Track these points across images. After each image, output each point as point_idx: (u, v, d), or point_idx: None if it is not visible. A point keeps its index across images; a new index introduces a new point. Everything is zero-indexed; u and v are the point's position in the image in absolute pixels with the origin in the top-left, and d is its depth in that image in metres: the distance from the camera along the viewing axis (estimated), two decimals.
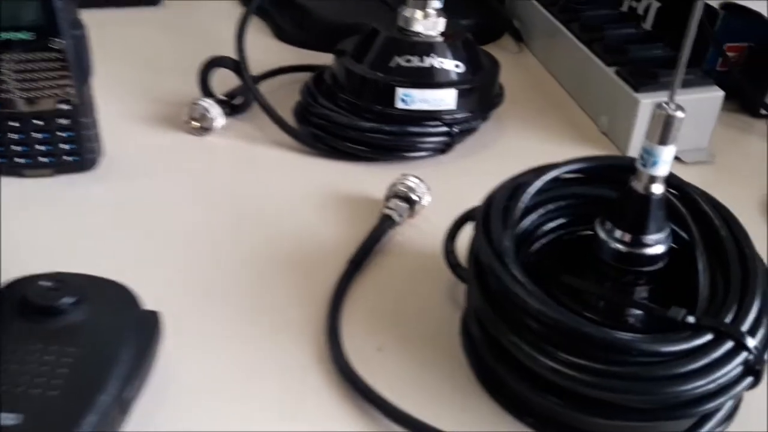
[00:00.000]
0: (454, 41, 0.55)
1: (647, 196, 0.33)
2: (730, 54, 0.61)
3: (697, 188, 0.37)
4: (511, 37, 0.76)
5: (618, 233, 0.34)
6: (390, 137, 0.54)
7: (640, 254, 0.34)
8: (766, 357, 0.32)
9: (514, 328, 0.33)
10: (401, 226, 0.49)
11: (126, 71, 0.66)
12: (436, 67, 0.54)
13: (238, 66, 0.58)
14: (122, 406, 0.34)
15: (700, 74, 0.56)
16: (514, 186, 0.37)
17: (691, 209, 0.36)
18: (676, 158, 0.58)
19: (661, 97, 0.54)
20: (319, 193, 0.52)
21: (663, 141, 0.32)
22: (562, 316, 0.31)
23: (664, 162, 0.32)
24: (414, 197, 0.49)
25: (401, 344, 0.40)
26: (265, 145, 0.57)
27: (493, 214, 0.35)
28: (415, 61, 0.54)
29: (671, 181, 0.36)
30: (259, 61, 0.66)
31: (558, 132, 0.61)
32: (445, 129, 0.55)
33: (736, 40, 0.61)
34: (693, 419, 0.32)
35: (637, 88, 0.54)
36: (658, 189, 0.33)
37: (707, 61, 0.62)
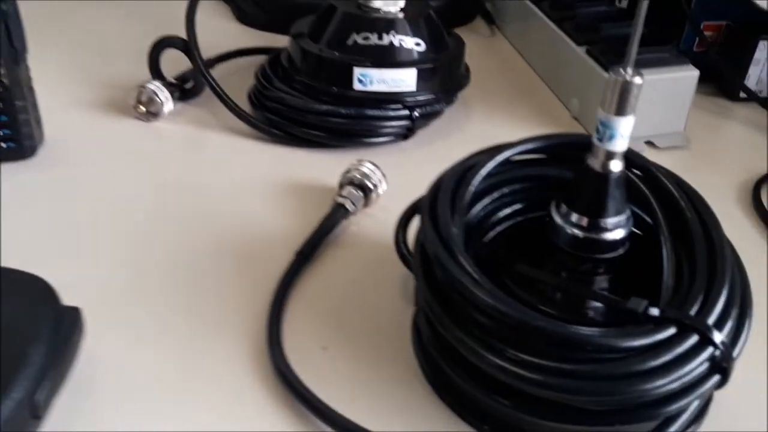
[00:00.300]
0: (416, 18, 0.52)
1: (605, 174, 0.30)
2: (707, 33, 0.58)
3: (662, 168, 0.34)
4: (483, 19, 0.72)
5: (574, 217, 0.31)
6: (347, 121, 0.51)
7: (599, 240, 0.31)
8: (735, 353, 0.29)
9: (461, 323, 0.30)
10: (356, 215, 0.45)
11: (74, 54, 0.62)
12: (395, 45, 0.50)
13: (188, 47, 0.54)
14: (34, 409, 0.31)
15: (675, 52, 0.53)
16: (464, 169, 0.33)
17: (656, 191, 0.33)
18: (650, 143, 0.56)
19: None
20: (271, 181, 0.49)
21: (620, 111, 0.29)
22: (508, 309, 0.28)
23: (622, 135, 0.29)
24: (369, 185, 0.45)
25: (349, 342, 0.37)
26: (217, 131, 0.54)
27: (440, 199, 0.32)
28: (373, 39, 0.50)
29: (634, 160, 0.33)
30: (219, 45, 0.63)
31: (528, 117, 0.58)
32: (405, 112, 0.51)
33: (713, 19, 0.58)
34: (655, 422, 0.29)
35: (608, 67, 0.51)
36: (616, 166, 0.30)
37: (684, 41, 0.59)
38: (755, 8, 0.55)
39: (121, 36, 0.66)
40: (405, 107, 0.51)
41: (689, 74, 0.52)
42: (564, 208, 0.31)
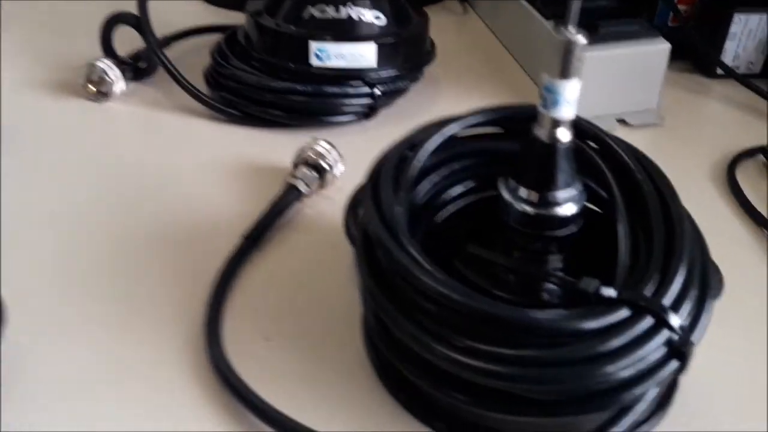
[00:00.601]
0: None
1: (552, 144, 0.27)
2: (681, 7, 0.56)
3: (618, 139, 0.31)
4: None
5: (522, 192, 0.29)
6: (305, 99, 0.48)
7: (549, 215, 0.28)
8: (695, 337, 0.27)
9: (406, 310, 0.27)
10: (310, 197, 0.43)
11: (27, 32, 0.60)
12: (353, 19, 0.48)
13: (140, 24, 0.51)
14: None
15: (645, 25, 0.50)
16: (408, 145, 0.31)
17: (611, 163, 0.30)
18: (622, 121, 0.54)
19: (603, 50, 0.50)
20: (224, 163, 0.47)
21: (564, 74, 0.27)
22: (447, 290, 0.25)
23: (568, 101, 0.27)
24: (324, 165, 0.43)
25: (295, 333, 0.35)
26: (171, 111, 0.52)
27: (383, 178, 0.30)
28: (330, 12, 0.48)
29: (587, 130, 0.30)
30: (179, 22, 0.60)
31: (497, 95, 0.56)
32: (366, 90, 0.49)
33: None
34: (609, 412, 0.27)
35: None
36: (564, 135, 0.27)
37: (658, 15, 0.56)
38: None
39: (77, 12, 0.63)
40: (366, 84, 0.49)
41: (660, 47, 0.49)
42: (512, 183, 0.29)
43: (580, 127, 0.31)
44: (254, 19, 0.50)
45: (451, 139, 0.32)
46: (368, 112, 0.50)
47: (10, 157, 0.46)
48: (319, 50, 0.47)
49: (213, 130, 0.50)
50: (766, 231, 0.42)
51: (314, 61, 0.48)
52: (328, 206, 0.43)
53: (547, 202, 0.28)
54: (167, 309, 0.36)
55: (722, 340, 0.35)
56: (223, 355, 0.32)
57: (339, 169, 0.44)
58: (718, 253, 0.38)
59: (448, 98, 0.55)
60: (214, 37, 0.59)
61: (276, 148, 0.47)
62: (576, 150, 0.30)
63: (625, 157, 0.30)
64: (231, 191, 0.44)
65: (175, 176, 0.45)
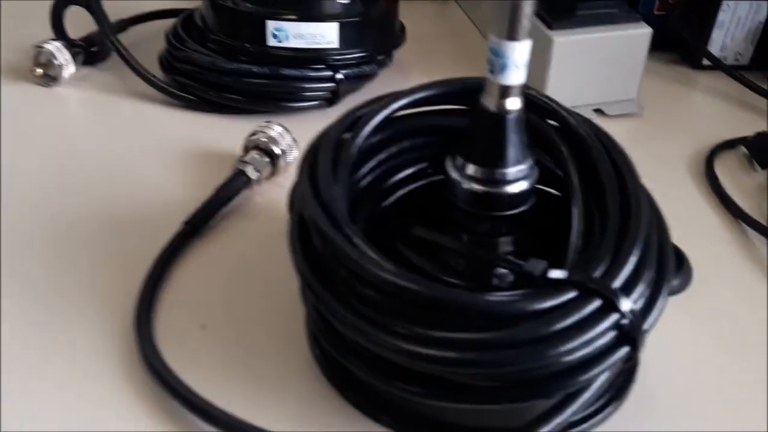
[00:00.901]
0: None
1: (500, 115, 0.26)
2: None
3: (579, 115, 0.30)
4: None
5: (470, 169, 0.28)
6: (263, 82, 0.47)
7: (498, 194, 0.27)
8: (648, 322, 0.25)
9: (342, 297, 0.26)
10: (261, 184, 0.42)
11: None
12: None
13: (92, 5, 0.51)
14: None
15: (625, 8, 0.49)
16: (351, 122, 0.30)
17: (569, 141, 0.29)
18: (599, 111, 0.53)
19: (579, 34, 0.49)
20: (175, 149, 0.46)
21: (511, 35, 0.25)
22: (381, 272, 0.24)
23: (516, 65, 0.26)
24: (276, 150, 0.42)
25: (235, 323, 0.34)
26: (124, 96, 0.51)
27: (321, 156, 0.29)
28: None
29: (544, 105, 0.29)
30: (141, 6, 0.59)
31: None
32: (328, 73, 0.48)
33: None
34: (553, 399, 0.25)
35: (551, 24, 0.48)
36: (513, 104, 0.26)
37: (643, 3, 0.56)
38: None
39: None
40: (328, 67, 0.48)
41: (640, 32, 0.48)
42: (460, 160, 0.28)
43: (536, 102, 0.31)
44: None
45: (398, 116, 0.31)
46: (331, 98, 0.49)
47: None
48: (277, 29, 0.46)
49: (167, 115, 0.49)
50: (742, 223, 0.41)
51: (272, 41, 0.47)
52: (279, 193, 0.42)
53: (495, 180, 0.27)
54: (103, 296, 0.35)
55: (689, 332, 0.34)
56: (153, 342, 0.31)
57: (293, 155, 0.43)
58: (691, 244, 0.38)
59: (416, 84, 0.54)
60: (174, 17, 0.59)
61: (231, 133, 0.46)
62: (531, 125, 0.29)
63: (582, 134, 0.29)
64: (180, 178, 0.43)
65: (122, 163, 0.44)
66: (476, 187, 0.28)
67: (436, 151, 0.32)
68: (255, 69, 0.47)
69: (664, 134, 0.50)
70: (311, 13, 0.47)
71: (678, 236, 0.39)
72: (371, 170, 0.31)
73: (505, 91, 0.26)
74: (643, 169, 0.46)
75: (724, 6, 0.54)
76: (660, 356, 0.31)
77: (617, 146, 0.30)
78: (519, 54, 0.25)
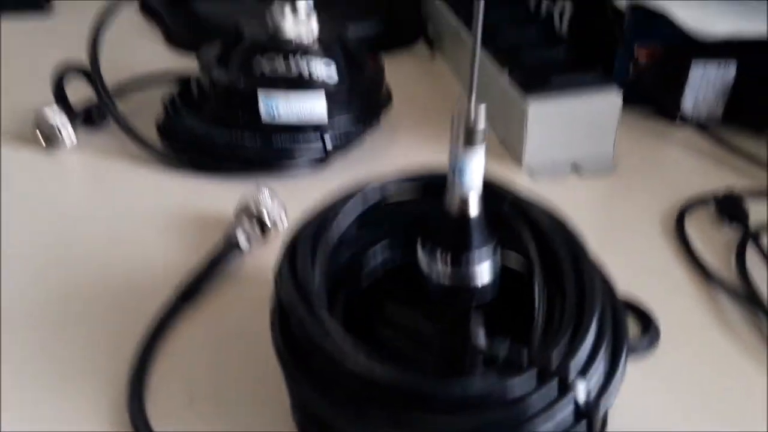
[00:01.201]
0: (328, 43, 0.52)
1: (462, 217, 0.29)
2: (641, 57, 0.58)
3: (536, 201, 0.33)
4: (424, 42, 0.72)
5: (438, 264, 0.30)
6: (256, 150, 0.50)
7: (464, 288, 0.30)
8: (604, 398, 0.28)
9: (318, 382, 0.28)
10: (251, 250, 0.45)
11: None
12: (303, 73, 0.50)
13: (91, 76, 0.54)
14: None
15: (599, 76, 0.52)
16: (328, 211, 0.32)
17: (530, 225, 0.32)
18: (576, 167, 0.55)
19: (554, 103, 0.51)
20: (170, 213, 0.48)
21: (468, 141, 0.28)
22: (355, 364, 0.27)
23: (474, 170, 0.28)
24: (266, 219, 0.45)
25: (222, 397, 0.35)
26: (122, 160, 0.53)
27: (300, 244, 0.31)
28: (281, 65, 0.50)
29: (505, 194, 0.32)
30: (141, 66, 0.63)
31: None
32: (318, 144, 0.51)
33: (646, 41, 0.57)
34: None
35: (527, 92, 0.51)
36: (474, 206, 0.29)
37: (617, 64, 0.58)
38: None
39: (40, 61, 0.65)
40: (317, 134, 0.51)
41: (611, 99, 0.51)
42: (428, 251, 0.30)
43: (497, 190, 0.33)
44: (205, 71, 0.52)
45: (373, 204, 0.33)
46: (322, 159, 0.52)
47: None
48: (270, 105, 0.49)
49: (163, 179, 0.52)
50: (710, 281, 0.43)
51: (264, 116, 0.50)
52: (268, 257, 0.44)
53: (461, 276, 0.29)
54: (93, 365, 0.37)
55: (655, 391, 0.36)
56: (144, 415, 0.33)
57: (282, 222, 0.45)
58: (660, 302, 0.40)
59: (404, 145, 0.57)
60: (172, 83, 0.62)
61: (224, 196, 0.49)
62: (493, 214, 0.31)
63: (541, 220, 0.31)
64: (173, 242, 0.46)
65: (116, 227, 0.47)
66: (444, 281, 0.30)
67: (407, 233, 0.34)
68: (248, 142, 0.50)
69: (638, 190, 0.52)
70: (302, 89, 0.50)
71: (647, 295, 0.41)
72: (350, 252, 0.34)
73: (464, 196, 0.28)
74: (616, 225, 0.49)
75: (693, 67, 0.57)
76: (626, 416, 0.33)
77: (570, 228, 0.32)
78: (477, 159, 0.28)
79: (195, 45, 0.68)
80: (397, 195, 0.35)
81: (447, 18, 0.68)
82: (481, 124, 0.28)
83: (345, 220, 0.32)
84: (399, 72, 0.66)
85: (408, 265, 0.35)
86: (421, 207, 0.34)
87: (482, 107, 0.28)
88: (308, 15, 0.52)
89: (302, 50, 0.50)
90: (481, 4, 0.26)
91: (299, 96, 0.50)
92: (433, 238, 0.30)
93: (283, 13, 0.51)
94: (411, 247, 0.33)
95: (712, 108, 0.58)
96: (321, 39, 0.52)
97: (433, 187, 0.34)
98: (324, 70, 0.51)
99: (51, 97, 0.55)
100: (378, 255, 0.34)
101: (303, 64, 0.50)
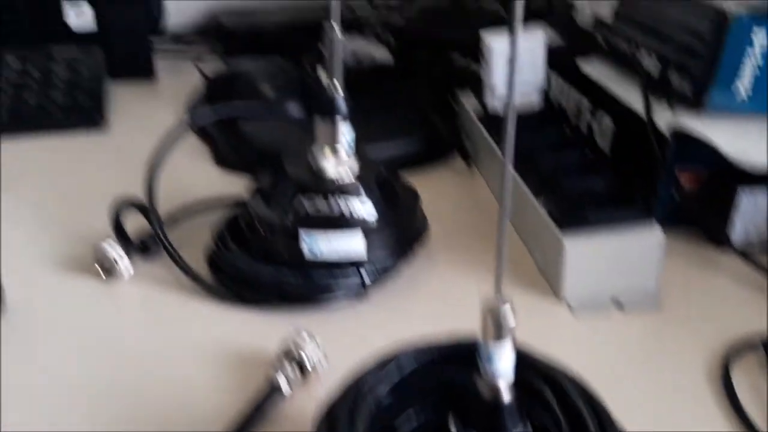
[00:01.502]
0: (366, 181, 0.54)
1: (495, 402, 0.30)
2: (685, 182, 0.58)
3: (568, 375, 0.33)
4: (461, 156, 0.74)
5: None
6: (297, 286, 0.53)
7: None
8: None
9: None
10: (294, 392, 0.46)
11: (48, 203, 0.67)
12: (344, 212, 0.52)
13: (147, 212, 0.57)
14: None
15: (638, 210, 0.53)
16: (361, 386, 0.34)
17: (561, 399, 0.32)
18: (617, 302, 0.54)
19: (590, 239, 0.52)
20: (215, 348, 0.50)
21: (498, 336, 0.29)
22: None
23: (506, 360, 0.29)
24: (307, 364, 0.46)
25: None
26: (174, 292, 0.56)
27: (337, 415, 0.32)
28: (322, 207, 0.52)
29: (539, 368, 0.32)
30: (192, 189, 0.66)
31: (492, 270, 0.58)
32: (356, 279, 0.53)
33: (690, 167, 0.57)
34: None
35: (563, 227, 0.52)
36: (505, 393, 0.30)
37: (661, 188, 0.58)
38: None
39: (96, 183, 0.71)
40: (355, 269, 0.53)
41: (653, 236, 0.51)
42: (460, 427, 0.31)
43: (532, 364, 0.34)
44: (251, 208, 0.55)
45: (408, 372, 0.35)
46: (360, 294, 0.54)
47: (11, 329, 0.51)
48: (311, 244, 0.52)
49: (211, 311, 0.54)
50: None
51: (307, 254, 0.52)
52: (308, 404, 0.46)
53: None
54: None
55: None
56: None
57: (322, 365, 0.47)
58: None
59: (441, 273, 0.58)
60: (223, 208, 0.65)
61: (267, 331, 0.51)
62: (527, 389, 0.32)
63: (573, 398, 0.32)
64: (217, 379, 0.48)
65: (165, 361, 0.49)
66: None
67: (444, 404, 0.35)
68: (290, 277, 0.52)
69: (683, 328, 0.51)
70: (341, 228, 0.52)
71: None
72: (382, 419, 0.34)
73: (496, 382, 0.29)
74: (658, 369, 0.48)
75: (740, 193, 0.56)
76: None
77: (598, 399, 0.32)
78: (507, 350, 0.29)
79: (242, 166, 0.73)
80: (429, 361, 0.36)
81: (482, 136, 0.70)
82: (510, 323, 0.29)
83: (379, 389, 0.33)
84: (436, 187, 0.68)
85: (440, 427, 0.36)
86: (451, 372, 0.35)
87: (508, 307, 0.29)
88: (348, 156, 0.54)
89: (342, 190, 0.53)
90: (509, 171, 0.27)
91: (339, 235, 0.52)
92: (464, 419, 0.31)
93: (324, 154, 0.54)
94: (442, 413, 0.34)
95: (762, 236, 0.58)
96: (360, 176, 0.55)
97: (464, 352, 0.35)
98: (363, 208, 0.53)
99: (107, 224, 0.58)
100: (411, 420, 0.35)
101: (343, 203, 0.53)
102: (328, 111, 0.53)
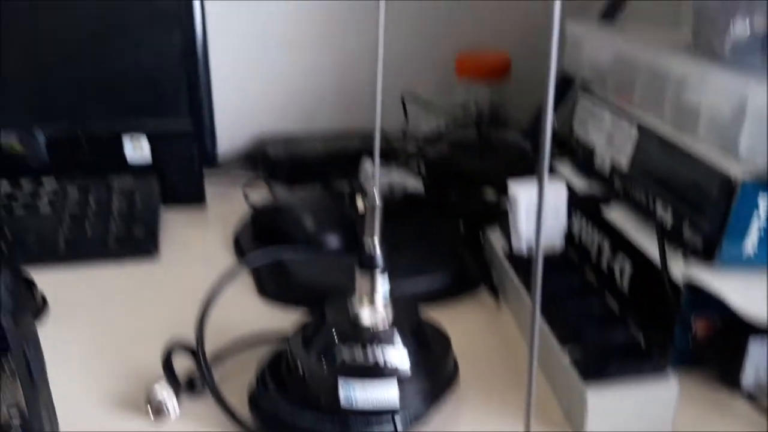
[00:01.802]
0: (401, 329, 0.58)
1: None
2: (699, 330, 0.61)
3: None
4: (488, 291, 0.78)
5: None
6: None
7: None
8: None
9: None
10: None
11: (100, 337, 0.71)
12: (380, 363, 0.56)
13: (197, 357, 0.62)
14: None
15: (656, 362, 0.56)
16: None
17: None
18: None
19: (611, 390, 0.55)
20: None
21: None
22: None
23: None
24: None
25: None
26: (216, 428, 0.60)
27: None
28: (359, 356, 0.57)
29: None
30: (236, 321, 0.71)
31: (521, 414, 0.61)
32: (390, 426, 0.56)
33: (705, 314, 0.61)
34: None
35: (585, 376, 0.55)
36: None
37: (676, 333, 0.62)
38: None
39: (148, 315, 0.76)
40: (389, 417, 0.56)
41: (668, 389, 0.55)
42: None
43: None
44: (292, 354, 0.59)
45: None
46: None
47: None
48: (348, 392, 0.56)
49: None
50: None
51: (343, 402, 0.56)
52: None
53: None
54: None
55: None
56: None
57: None
58: None
59: (471, 424, 0.60)
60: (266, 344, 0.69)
61: None
62: None
63: None
64: None
65: None
66: None
67: None
68: (327, 426, 0.56)
69: None
70: (377, 376, 0.56)
71: None
72: None
73: None
74: None
75: (752, 342, 0.59)
76: None
77: None
78: None
79: (284, 297, 0.78)
80: None
81: (508, 274, 0.74)
82: None
83: None
84: (464, 323, 0.71)
85: None
86: None
87: None
88: (385, 305, 0.59)
89: (378, 339, 0.57)
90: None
91: (374, 384, 0.56)
92: None
93: (362, 303, 0.59)
94: None
95: None
96: (395, 323, 0.59)
97: None
98: (397, 357, 0.57)
99: (157, 360, 0.63)
100: None
101: (379, 353, 0.57)
102: (368, 265, 0.58)
